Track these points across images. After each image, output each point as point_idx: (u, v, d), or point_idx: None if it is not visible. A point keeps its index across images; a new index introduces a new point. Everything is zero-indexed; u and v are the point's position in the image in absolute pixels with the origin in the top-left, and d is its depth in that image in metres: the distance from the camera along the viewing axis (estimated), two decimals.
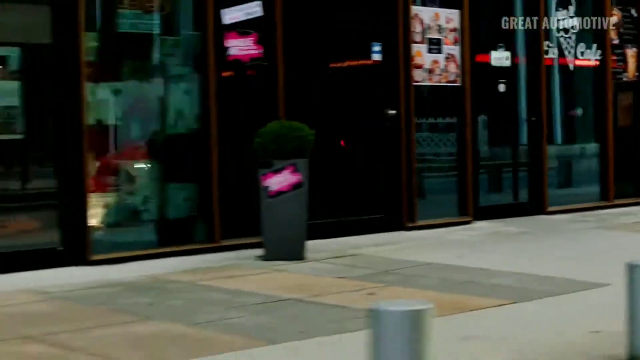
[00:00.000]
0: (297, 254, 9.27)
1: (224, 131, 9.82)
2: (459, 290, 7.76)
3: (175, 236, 9.73)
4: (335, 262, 9.24)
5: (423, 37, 11.48)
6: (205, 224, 9.80)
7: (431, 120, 12.08)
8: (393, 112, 11.16)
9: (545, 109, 12.79)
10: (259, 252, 9.54)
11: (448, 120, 12.16)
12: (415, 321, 3.85)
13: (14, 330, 6.50)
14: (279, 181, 9.22)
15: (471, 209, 11.92)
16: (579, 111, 13.57)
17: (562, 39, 13.07)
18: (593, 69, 13.49)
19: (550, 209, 12.76)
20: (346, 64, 11.06)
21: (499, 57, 12.36)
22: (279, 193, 9.22)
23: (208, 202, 9.78)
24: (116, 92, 9.38)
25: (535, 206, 12.70)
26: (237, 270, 8.81)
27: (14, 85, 8.70)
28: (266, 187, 9.23)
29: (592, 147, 13.70)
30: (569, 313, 6.88)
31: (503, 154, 12.81)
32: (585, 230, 11.50)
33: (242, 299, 7.47)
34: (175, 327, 6.52)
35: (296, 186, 9.25)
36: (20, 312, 7.15)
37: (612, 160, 13.50)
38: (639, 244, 10.21)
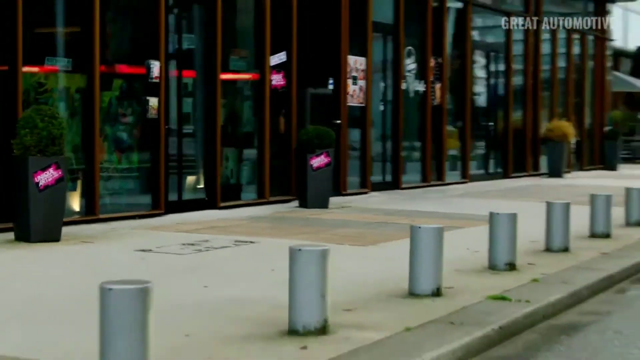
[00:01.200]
0: (325, 205, 15.84)
1: (271, 128, 16.15)
2: (452, 217, 14.70)
3: (243, 194, 15.94)
4: (348, 210, 15.86)
5: (350, 75, 18.30)
6: (260, 186, 16.06)
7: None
8: (339, 121, 17.90)
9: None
10: (294, 204, 16.00)
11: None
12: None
13: (286, 231, 12.67)
14: (318, 161, 15.73)
15: (369, 184, 18.89)
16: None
17: (408, 77, 20.37)
18: (421, 95, 20.90)
19: (404, 185, 20.00)
20: (318, 91, 17.66)
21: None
22: (319, 168, 15.74)
23: (262, 172, 16.06)
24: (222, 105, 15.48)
25: (395, 183, 19.87)
26: (309, 212, 15.17)
27: None
28: (311, 165, 15.71)
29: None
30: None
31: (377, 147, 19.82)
32: (442, 197, 18.82)
33: (354, 222, 13.97)
34: (355, 230, 12.97)
35: (328, 164, 15.82)
36: (252, 226, 13.21)
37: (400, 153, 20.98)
38: (478, 205, 17.55)
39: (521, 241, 10.18)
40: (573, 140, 27.41)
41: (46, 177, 10.75)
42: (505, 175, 24.78)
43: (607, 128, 31.38)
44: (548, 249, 11.08)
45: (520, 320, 7.59)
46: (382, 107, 19.75)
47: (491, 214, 9.82)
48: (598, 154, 30.92)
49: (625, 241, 12.34)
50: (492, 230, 9.70)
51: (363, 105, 18.75)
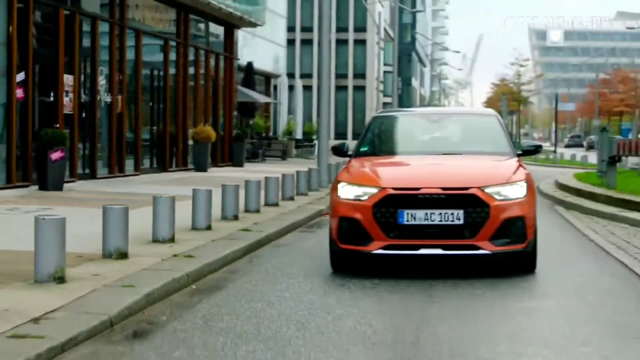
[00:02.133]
0: (60, 188, 21.12)
1: (18, 130, 21.16)
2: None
3: None
4: (79, 192, 21.17)
5: (64, 89, 23.54)
6: (9, 174, 21.01)
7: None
8: (57, 125, 23.12)
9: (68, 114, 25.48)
10: (35, 188, 21.12)
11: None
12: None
13: (63, 203, 17.90)
14: (56, 155, 20.99)
15: (77, 174, 24.20)
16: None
17: (100, 90, 25.83)
18: (109, 105, 26.43)
19: (98, 176, 25.44)
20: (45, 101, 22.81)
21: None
22: (56, 161, 21.00)
23: (10, 163, 21.01)
24: None
25: (93, 173, 25.27)
26: (55, 193, 20.35)
27: None
28: (51, 158, 20.92)
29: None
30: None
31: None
32: (133, 184, 24.47)
33: (98, 198, 19.39)
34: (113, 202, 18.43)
35: (63, 158, 21.12)
36: (30, 200, 18.28)
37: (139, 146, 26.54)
38: (166, 189, 23.41)
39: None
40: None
41: None
42: (164, 169, 30.80)
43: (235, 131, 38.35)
44: (247, 211, 17.27)
45: (263, 239, 13.74)
46: (84, 114, 25.11)
47: (227, 186, 15.85)
48: (228, 153, 37.72)
49: (280, 211, 18.82)
50: (224, 195, 15.72)
51: (72, 113, 24.04)
